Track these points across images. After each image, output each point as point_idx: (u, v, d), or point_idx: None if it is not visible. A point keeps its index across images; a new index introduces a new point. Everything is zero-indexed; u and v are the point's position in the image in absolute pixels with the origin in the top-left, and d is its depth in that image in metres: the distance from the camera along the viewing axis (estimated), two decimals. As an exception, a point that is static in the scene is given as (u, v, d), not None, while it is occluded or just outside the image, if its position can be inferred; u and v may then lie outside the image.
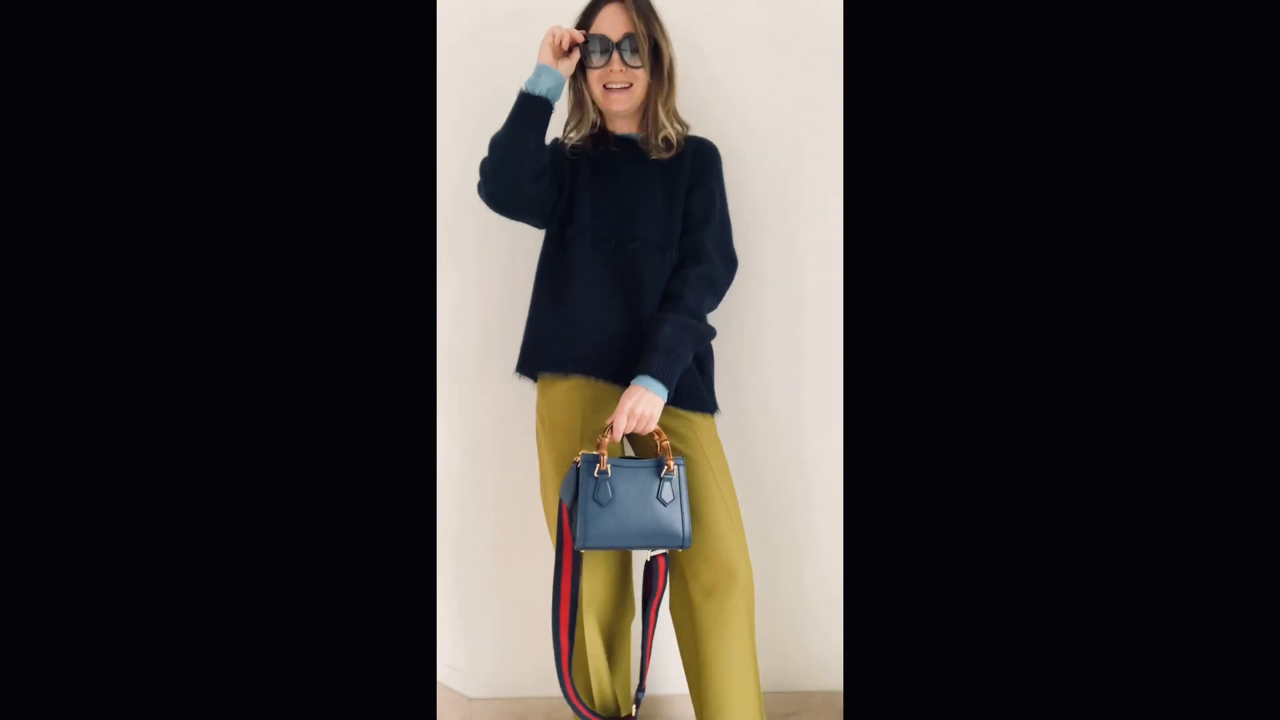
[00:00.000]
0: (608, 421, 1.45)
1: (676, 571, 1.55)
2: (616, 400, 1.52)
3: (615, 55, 1.50)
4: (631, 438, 1.60)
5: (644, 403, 1.43)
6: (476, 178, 1.80)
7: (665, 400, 1.46)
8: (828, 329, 1.83)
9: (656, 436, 1.46)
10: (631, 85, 1.52)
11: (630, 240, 1.54)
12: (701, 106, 1.73)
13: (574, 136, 1.63)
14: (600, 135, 1.63)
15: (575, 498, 1.42)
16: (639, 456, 1.60)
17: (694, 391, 1.55)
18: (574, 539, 1.41)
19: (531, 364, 1.59)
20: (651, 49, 1.51)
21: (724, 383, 1.80)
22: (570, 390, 1.54)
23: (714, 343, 1.65)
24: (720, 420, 1.81)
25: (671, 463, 1.44)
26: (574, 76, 1.58)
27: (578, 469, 1.42)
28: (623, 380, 1.50)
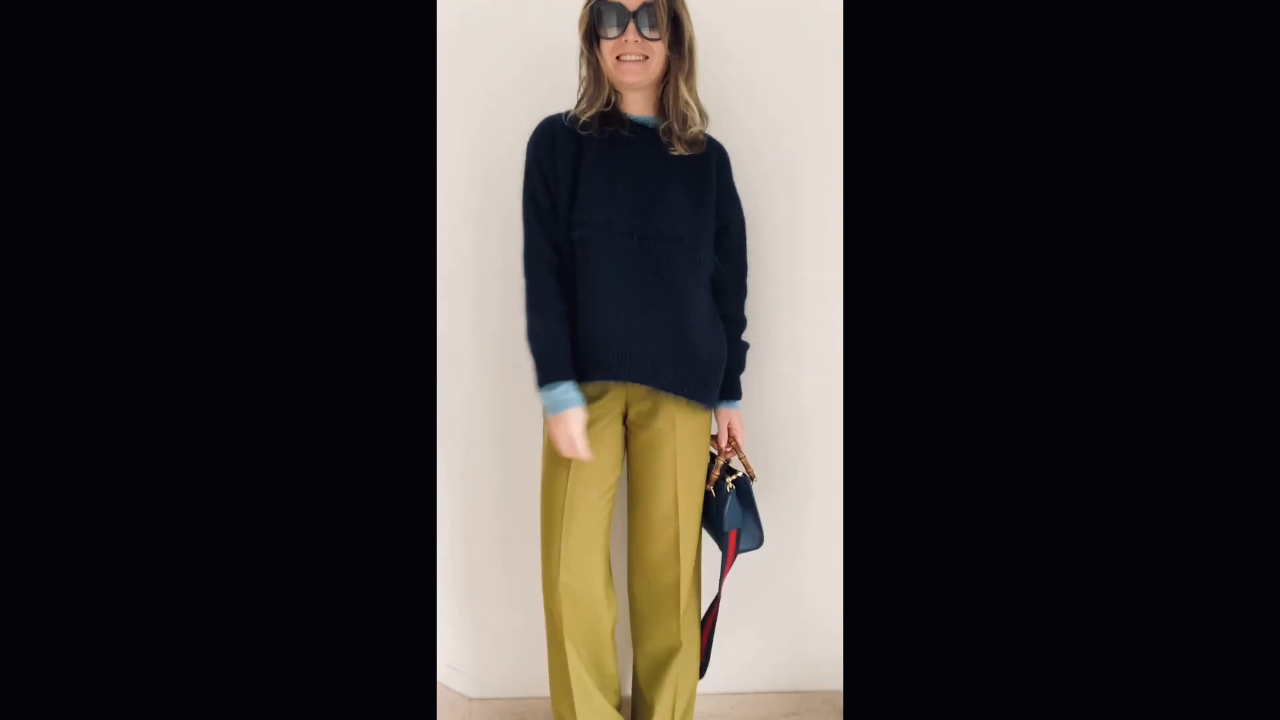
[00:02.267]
0: (737, 441, 1.66)
1: (628, 551, 1.70)
2: (652, 406, 1.55)
3: (631, 25, 1.40)
4: (629, 437, 1.63)
5: (737, 418, 1.68)
6: (476, 179, 1.81)
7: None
8: (829, 328, 1.83)
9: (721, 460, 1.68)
10: (647, 58, 1.43)
11: (657, 238, 1.47)
12: (703, 96, 1.73)
13: (584, 110, 1.52)
14: (611, 115, 1.51)
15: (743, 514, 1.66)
16: (632, 458, 1.64)
17: (705, 384, 1.55)
18: (747, 545, 1.66)
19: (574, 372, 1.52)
20: (671, 21, 1.42)
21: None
22: (609, 395, 1.54)
23: None
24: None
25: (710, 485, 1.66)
26: (588, 47, 1.49)
27: (736, 493, 1.64)
28: (664, 385, 1.50)
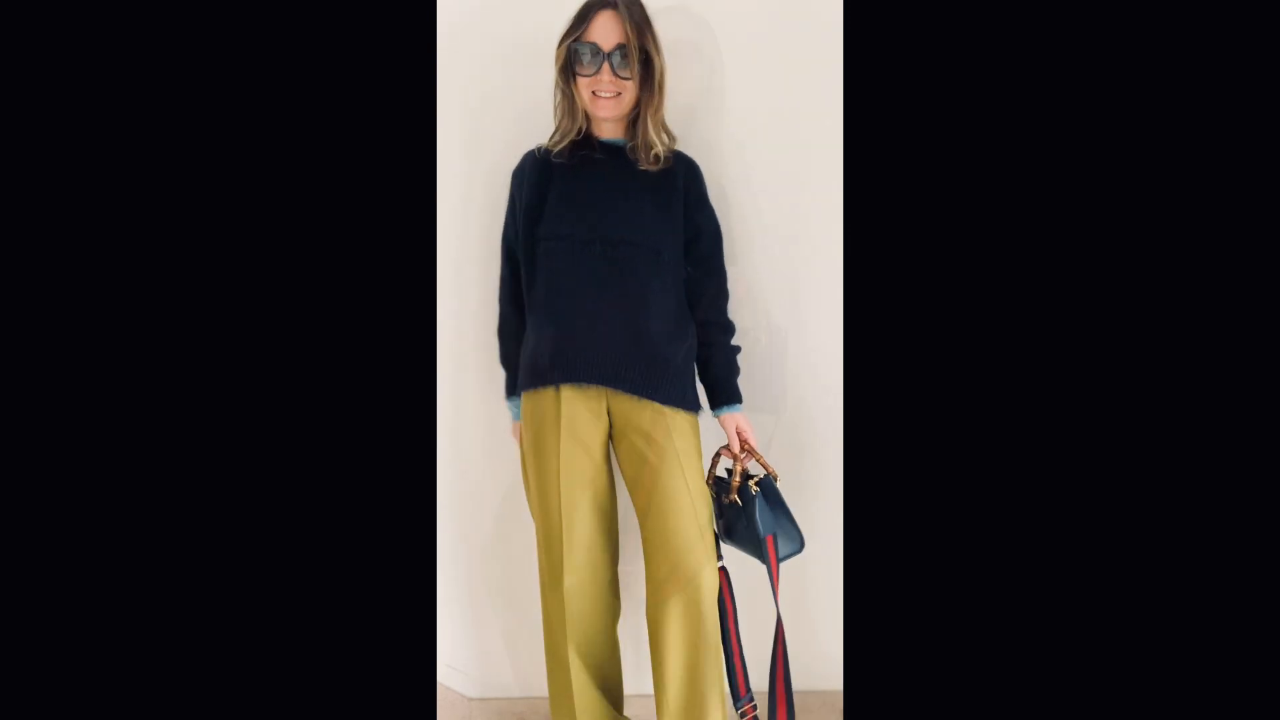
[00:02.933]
0: (750, 444, 1.63)
1: (647, 571, 1.62)
2: (618, 404, 1.56)
3: (605, 65, 1.48)
4: (618, 449, 1.63)
5: (744, 420, 1.65)
6: (477, 177, 1.82)
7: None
8: (829, 327, 1.83)
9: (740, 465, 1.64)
10: (620, 94, 1.51)
11: (618, 243, 1.53)
12: (703, 105, 1.73)
13: (557, 141, 1.60)
14: (583, 140, 1.60)
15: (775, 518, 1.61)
16: (625, 468, 1.63)
17: (676, 387, 1.57)
18: (788, 549, 1.61)
19: (537, 379, 1.56)
20: (643, 60, 1.50)
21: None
22: (586, 399, 1.56)
23: None
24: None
25: (734, 495, 1.62)
26: (564, 80, 1.56)
27: (763, 495, 1.59)
28: (626, 388, 1.53)
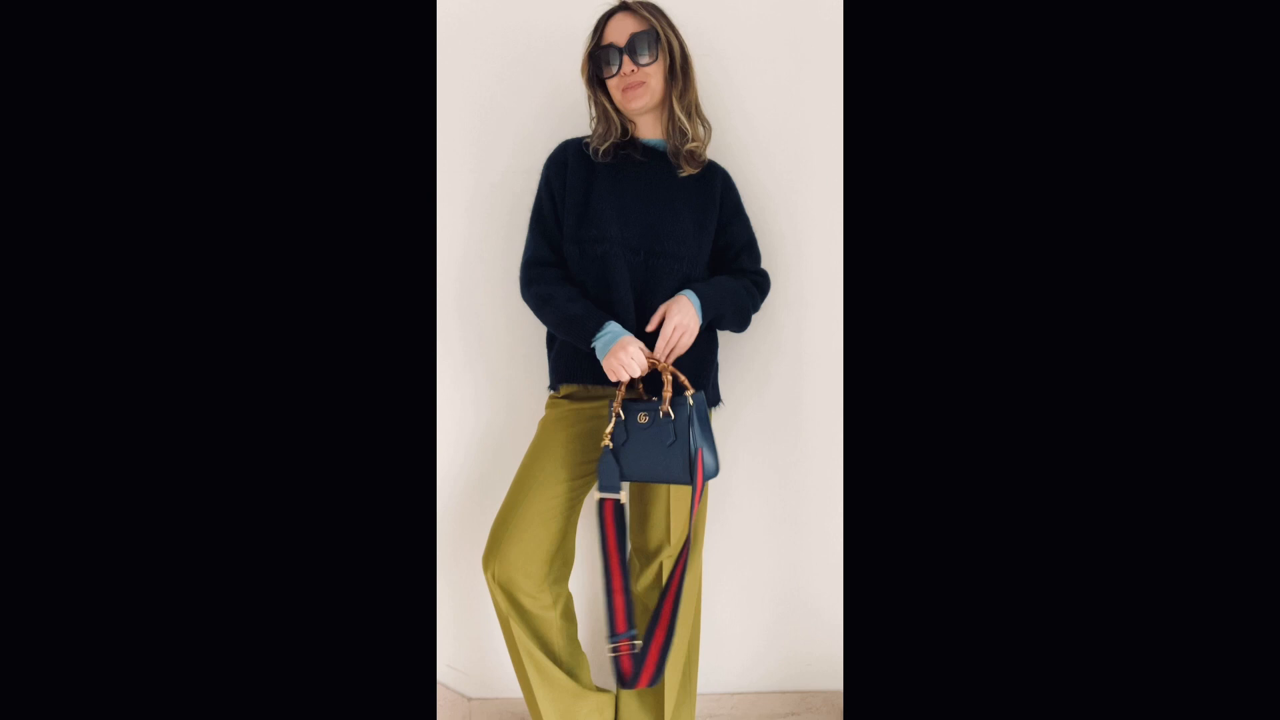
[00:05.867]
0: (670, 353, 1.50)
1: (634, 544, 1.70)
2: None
3: (625, 59, 1.54)
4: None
5: (686, 312, 1.50)
6: (479, 174, 1.82)
7: (700, 322, 1.52)
8: (829, 327, 1.84)
9: (669, 373, 1.47)
10: (646, 82, 1.56)
11: (660, 255, 1.57)
12: (704, 107, 1.73)
13: (598, 144, 1.64)
14: (625, 142, 1.64)
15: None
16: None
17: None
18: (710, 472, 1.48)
19: (577, 375, 1.60)
20: (664, 48, 1.55)
21: (727, 379, 1.80)
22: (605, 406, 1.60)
23: (720, 339, 1.72)
24: (722, 417, 1.81)
25: (667, 407, 1.45)
26: (593, 91, 1.61)
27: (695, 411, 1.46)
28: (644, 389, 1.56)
